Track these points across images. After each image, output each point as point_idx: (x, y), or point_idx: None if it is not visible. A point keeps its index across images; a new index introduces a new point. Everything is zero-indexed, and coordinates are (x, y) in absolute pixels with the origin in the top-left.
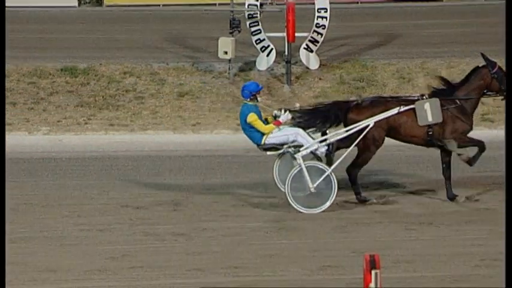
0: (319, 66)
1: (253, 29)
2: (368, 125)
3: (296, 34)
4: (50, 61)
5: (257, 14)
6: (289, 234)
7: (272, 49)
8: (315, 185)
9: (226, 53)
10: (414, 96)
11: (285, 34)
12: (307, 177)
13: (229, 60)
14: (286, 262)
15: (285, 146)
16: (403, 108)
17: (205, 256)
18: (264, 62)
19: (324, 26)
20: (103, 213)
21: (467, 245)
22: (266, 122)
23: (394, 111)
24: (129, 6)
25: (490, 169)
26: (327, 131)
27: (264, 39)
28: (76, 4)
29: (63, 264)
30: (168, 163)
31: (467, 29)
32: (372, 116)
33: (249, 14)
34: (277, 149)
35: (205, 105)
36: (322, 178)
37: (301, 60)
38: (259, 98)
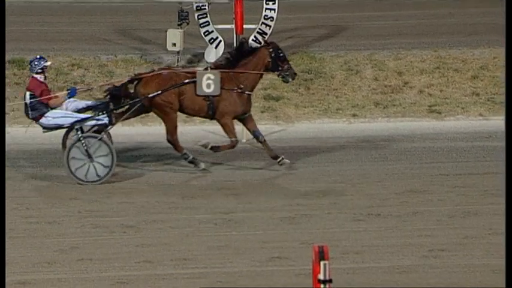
0: None
1: (201, 20)
2: None
3: (244, 26)
4: None
5: (205, 5)
6: (238, 225)
7: (221, 41)
8: None
9: (174, 44)
10: None
11: (233, 26)
12: None
13: (178, 52)
14: (235, 254)
15: None
16: None
17: (154, 248)
18: (213, 54)
19: (272, 18)
20: (52, 205)
21: (415, 235)
22: None
23: None
24: None
25: (437, 160)
26: None
27: (212, 31)
28: None
29: (12, 256)
30: (117, 155)
31: (415, 21)
32: None
33: (197, 6)
34: None
35: None
36: None
37: None
38: None
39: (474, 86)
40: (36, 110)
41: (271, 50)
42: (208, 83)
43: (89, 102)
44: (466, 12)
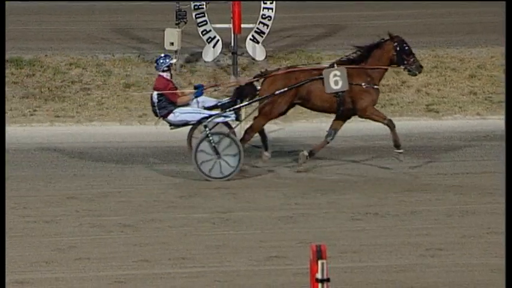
0: (265, 58)
1: (199, 20)
2: None
3: (242, 25)
4: None
5: (203, 5)
6: (236, 225)
7: (218, 40)
8: None
9: (172, 44)
10: None
11: (231, 25)
12: None
13: (176, 51)
14: (232, 253)
15: None
16: None
17: (152, 247)
18: (210, 53)
19: (270, 17)
20: (49, 204)
21: (413, 234)
22: None
23: None
24: None
25: (435, 159)
26: None
27: (210, 31)
28: None
29: (10, 255)
30: (114, 154)
31: (412, 20)
32: None
33: (195, 5)
34: None
35: None
36: None
37: (247, 52)
38: None
39: (472, 85)
40: (163, 108)
41: (395, 44)
42: (336, 80)
43: (217, 100)
44: (464, 11)
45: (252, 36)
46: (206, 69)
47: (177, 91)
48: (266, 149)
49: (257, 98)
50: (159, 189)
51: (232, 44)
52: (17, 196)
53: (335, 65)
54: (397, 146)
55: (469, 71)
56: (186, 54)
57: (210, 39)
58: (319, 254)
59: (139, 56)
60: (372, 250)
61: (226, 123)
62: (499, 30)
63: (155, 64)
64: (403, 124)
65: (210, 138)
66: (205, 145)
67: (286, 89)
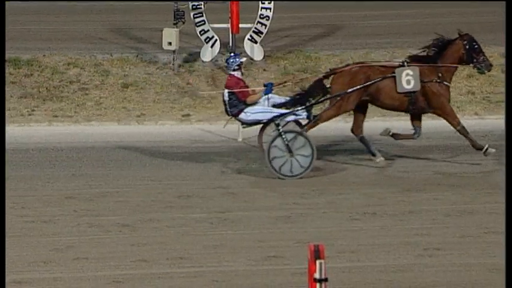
0: (264, 57)
1: (197, 20)
2: None
3: (240, 25)
4: None
5: (201, 5)
6: (234, 224)
7: (216, 40)
8: None
9: (170, 44)
10: None
11: (229, 25)
12: None
13: (174, 51)
14: (230, 253)
15: None
16: None
17: (150, 247)
18: (208, 53)
19: (268, 17)
20: (47, 204)
21: (411, 234)
22: None
23: None
24: None
25: (433, 159)
26: None
27: (208, 30)
28: None
29: (8, 255)
30: (112, 154)
31: (410, 20)
32: None
33: (193, 5)
34: None
35: (149, 97)
36: None
37: (245, 51)
38: None
39: (470, 85)
40: (234, 106)
41: (465, 42)
42: (408, 79)
43: (287, 98)
44: (462, 11)
45: (250, 36)
46: (204, 69)
47: (248, 89)
48: (373, 155)
49: (328, 96)
50: (157, 189)
51: (230, 44)
52: (15, 196)
53: (405, 64)
54: (478, 149)
55: (467, 71)
56: (184, 54)
57: (208, 39)
58: (317, 253)
59: (137, 56)
60: (370, 250)
61: (298, 122)
62: (497, 30)
63: (226, 64)
64: (401, 124)
65: (283, 135)
66: (279, 141)
67: (359, 86)
